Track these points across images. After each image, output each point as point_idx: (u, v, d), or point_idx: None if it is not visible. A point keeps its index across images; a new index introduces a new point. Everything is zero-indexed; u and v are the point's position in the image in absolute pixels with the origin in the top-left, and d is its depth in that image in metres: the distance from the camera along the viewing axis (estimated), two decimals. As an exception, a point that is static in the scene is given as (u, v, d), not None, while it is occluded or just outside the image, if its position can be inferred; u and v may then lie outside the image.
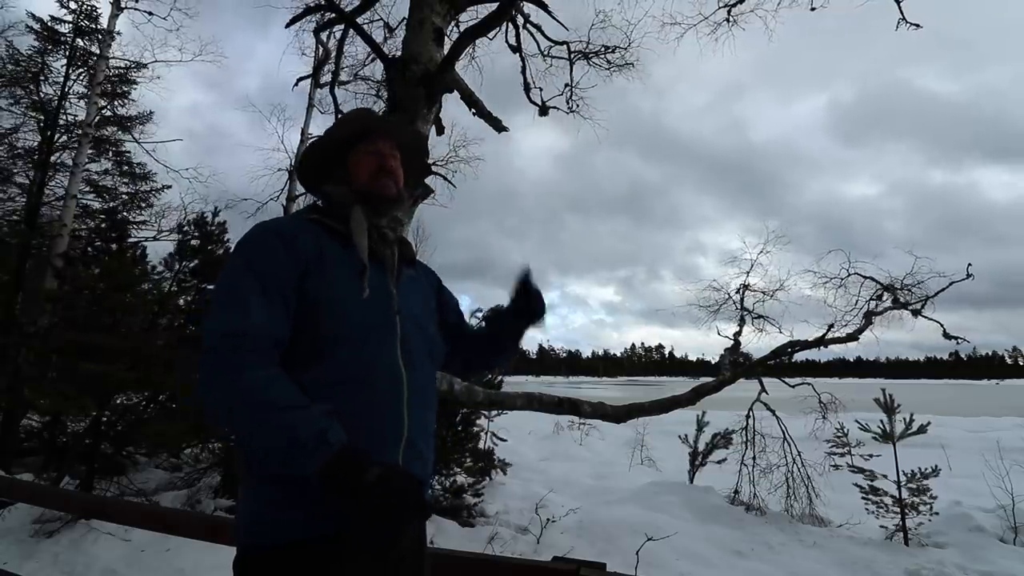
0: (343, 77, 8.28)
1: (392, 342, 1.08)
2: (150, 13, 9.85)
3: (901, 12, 6.13)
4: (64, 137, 10.16)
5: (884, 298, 7.79)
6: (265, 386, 0.91)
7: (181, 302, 6.42)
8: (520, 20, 6.62)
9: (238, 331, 0.95)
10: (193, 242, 6.31)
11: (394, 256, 1.18)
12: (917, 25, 6.17)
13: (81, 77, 10.11)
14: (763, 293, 8.35)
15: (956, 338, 7.76)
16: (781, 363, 7.72)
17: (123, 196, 11.05)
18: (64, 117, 10.06)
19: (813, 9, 6.91)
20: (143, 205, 10.99)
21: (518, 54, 6.76)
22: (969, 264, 7.33)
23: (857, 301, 7.84)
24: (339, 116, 1.38)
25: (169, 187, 10.92)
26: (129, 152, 10.98)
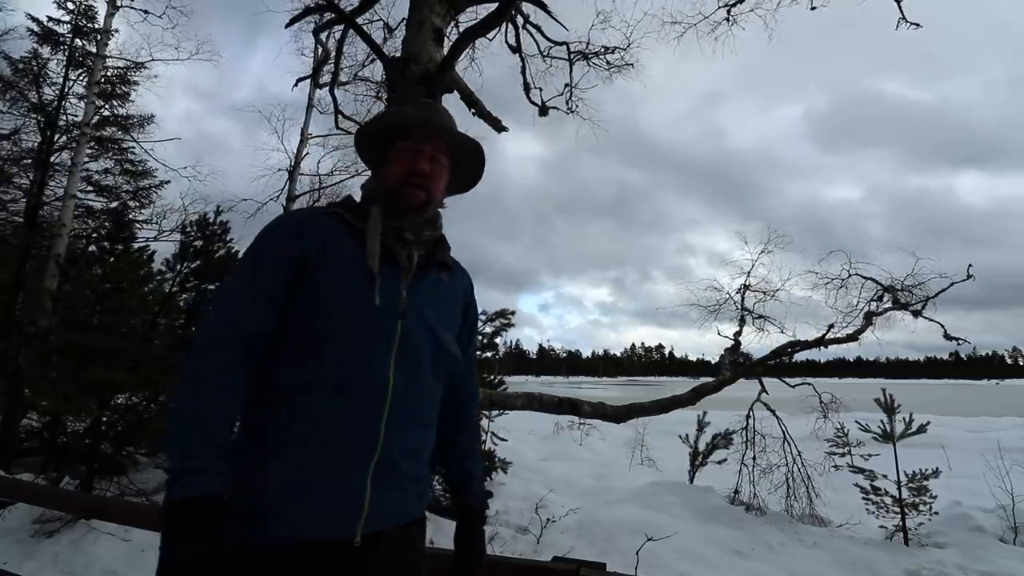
0: (343, 77, 8.30)
1: (385, 348, 1.01)
2: (145, 11, 9.86)
3: (901, 11, 6.15)
4: (64, 137, 10.18)
5: (884, 299, 7.80)
6: (200, 395, 0.94)
7: (182, 303, 6.41)
8: (520, 20, 6.63)
9: (213, 333, 1.00)
10: (197, 243, 6.28)
11: (411, 259, 1.09)
12: (917, 24, 6.19)
13: (81, 77, 10.13)
14: (763, 293, 8.36)
15: (957, 339, 7.78)
16: (781, 363, 7.72)
17: (124, 194, 11.08)
18: (64, 117, 10.08)
19: (813, 8, 6.91)
20: (145, 202, 11.03)
21: (518, 54, 6.77)
22: (970, 265, 7.36)
23: (858, 302, 7.86)
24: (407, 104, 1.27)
25: (168, 182, 10.96)
26: (131, 148, 11.02)
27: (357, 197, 1.20)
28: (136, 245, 6.45)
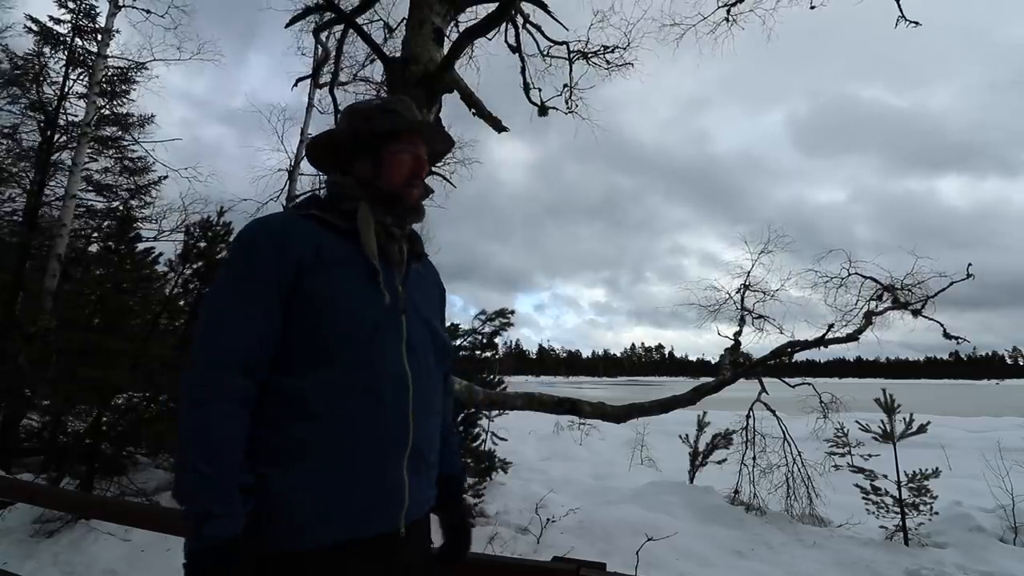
0: (343, 77, 8.30)
1: (397, 345, 1.03)
2: (148, 11, 9.83)
3: (900, 10, 6.16)
4: (64, 137, 10.18)
5: (884, 298, 7.80)
6: (207, 432, 0.90)
7: (182, 303, 6.40)
8: (520, 20, 6.62)
9: (212, 358, 0.94)
10: (199, 244, 6.25)
11: (402, 253, 1.13)
12: (916, 23, 6.21)
13: (81, 77, 10.13)
14: (763, 293, 8.36)
15: (957, 338, 7.77)
16: (781, 363, 7.71)
17: (124, 193, 11.09)
18: (64, 117, 10.08)
19: (813, 7, 6.91)
20: (145, 200, 11.03)
21: (518, 54, 6.76)
22: (969, 264, 7.33)
23: (857, 301, 7.85)
24: (378, 101, 1.24)
25: (166, 177, 10.93)
26: (131, 148, 11.01)
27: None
28: (140, 246, 6.42)
